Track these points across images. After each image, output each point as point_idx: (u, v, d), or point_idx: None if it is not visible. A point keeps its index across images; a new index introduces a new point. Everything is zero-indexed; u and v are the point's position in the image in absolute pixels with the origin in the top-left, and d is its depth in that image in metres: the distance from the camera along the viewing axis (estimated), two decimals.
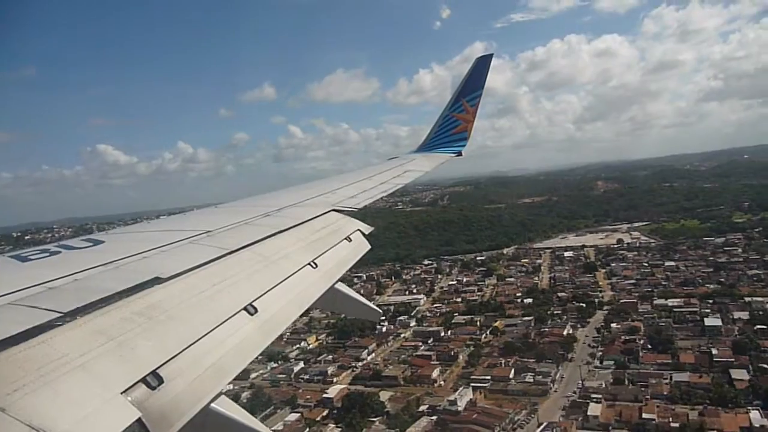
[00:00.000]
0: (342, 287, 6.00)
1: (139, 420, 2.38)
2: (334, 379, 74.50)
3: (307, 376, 76.11)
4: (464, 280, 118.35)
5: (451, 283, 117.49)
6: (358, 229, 6.16)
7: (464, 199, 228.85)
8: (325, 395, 67.84)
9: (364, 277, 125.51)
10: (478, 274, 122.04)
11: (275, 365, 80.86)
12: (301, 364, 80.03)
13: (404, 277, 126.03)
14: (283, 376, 77.03)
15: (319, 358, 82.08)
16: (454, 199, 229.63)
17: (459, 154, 12.80)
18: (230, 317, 3.40)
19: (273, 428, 59.54)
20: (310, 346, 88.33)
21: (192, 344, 2.97)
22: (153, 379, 2.59)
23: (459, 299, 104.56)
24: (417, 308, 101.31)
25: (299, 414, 64.01)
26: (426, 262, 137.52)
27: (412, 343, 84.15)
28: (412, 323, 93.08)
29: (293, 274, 4.42)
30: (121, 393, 2.42)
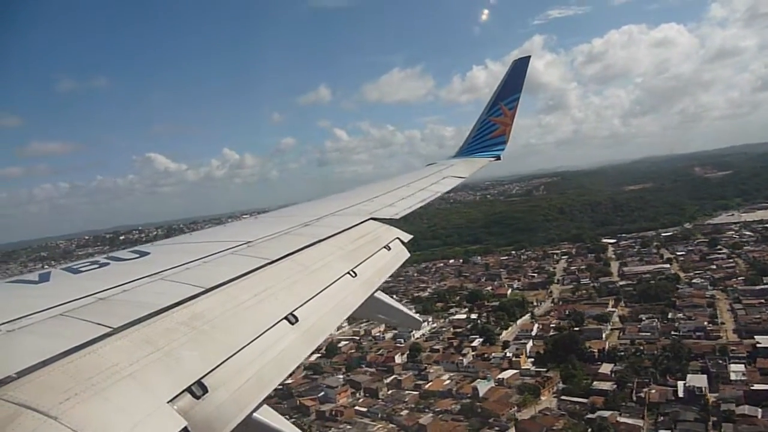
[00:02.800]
0: (382, 296, 5.97)
1: (185, 429, 2.42)
2: (721, 333, 73.53)
3: (679, 333, 75.19)
4: (695, 250, 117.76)
5: (680, 254, 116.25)
6: (397, 238, 6.13)
7: (559, 189, 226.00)
8: (759, 345, 66.65)
9: (559, 254, 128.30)
10: (700, 246, 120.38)
11: (613, 326, 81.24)
12: (656, 322, 79.58)
13: (609, 253, 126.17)
14: (647, 334, 76.26)
15: (669, 316, 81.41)
16: (549, 190, 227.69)
17: (497, 158, 12.64)
18: (271, 327, 3.44)
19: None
20: (617, 311, 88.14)
21: (235, 354, 3.02)
22: (198, 389, 2.64)
23: (713, 266, 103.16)
24: (670, 274, 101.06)
25: (743, 365, 63.61)
26: (605, 240, 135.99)
27: (755, 301, 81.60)
28: (709, 286, 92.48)
29: (333, 283, 4.43)
30: (168, 402, 2.47)
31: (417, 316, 7.19)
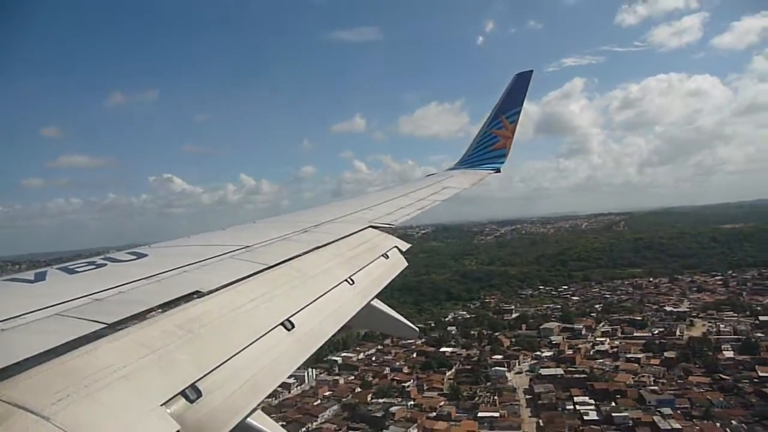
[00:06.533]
0: (378, 304, 5.96)
1: None
2: None
3: None
4: None
5: None
6: (396, 246, 6.13)
7: (642, 225, 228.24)
8: None
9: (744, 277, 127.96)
10: None
11: None
12: None
13: None
14: None
15: None
16: (630, 226, 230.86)
17: (497, 170, 12.66)
18: (267, 332, 3.42)
19: None
20: None
21: (230, 358, 3.00)
22: (192, 392, 2.62)
23: None
24: None
25: None
26: None
27: None
28: None
29: (330, 290, 4.43)
30: (161, 405, 2.45)
31: (411, 324, 7.13)
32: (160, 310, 3.17)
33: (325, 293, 4.32)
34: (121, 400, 2.38)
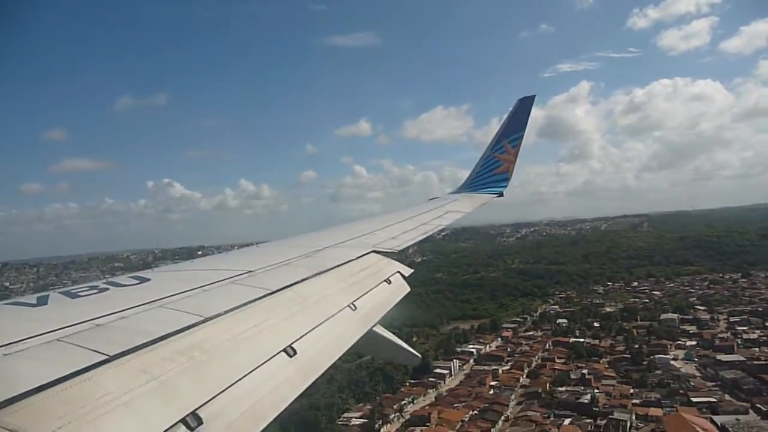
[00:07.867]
0: (380, 330, 5.93)
1: None
2: None
3: None
4: None
5: None
6: (398, 271, 6.11)
7: (667, 227, 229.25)
8: None
9: None
10: None
11: None
12: None
13: None
14: None
15: None
16: (655, 227, 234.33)
17: (500, 194, 12.70)
18: (269, 359, 3.41)
19: None
20: None
21: (231, 385, 2.98)
22: (192, 420, 2.60)
23: None
24: None
25: None
26: None
27: None
28: None
29: (332, 316, 4.41)
30: None
31: (413, 351, 7.07)
32: (160, 338, 3.16)
33: (328, 319, 4.30)
34: (121, 429, 2.37)
